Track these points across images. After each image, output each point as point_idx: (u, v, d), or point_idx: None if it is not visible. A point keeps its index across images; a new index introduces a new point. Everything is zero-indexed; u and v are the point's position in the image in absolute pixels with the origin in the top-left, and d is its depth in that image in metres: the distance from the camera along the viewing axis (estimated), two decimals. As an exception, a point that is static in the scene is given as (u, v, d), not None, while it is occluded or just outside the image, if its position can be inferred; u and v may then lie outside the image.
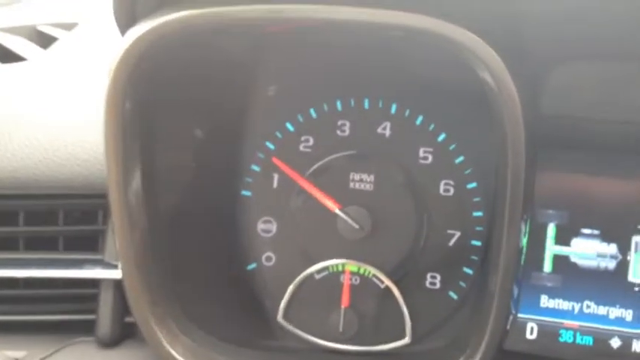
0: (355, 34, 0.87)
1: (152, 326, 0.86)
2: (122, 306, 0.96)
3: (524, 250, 0.93)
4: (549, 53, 0.86)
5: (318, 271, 1.01)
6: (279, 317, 1.01)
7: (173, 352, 0.86)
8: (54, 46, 1.13)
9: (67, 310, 1.02)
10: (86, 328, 1.00)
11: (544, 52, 0.85)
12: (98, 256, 0.99)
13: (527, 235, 0.93)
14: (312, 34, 0.92)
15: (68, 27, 1.17)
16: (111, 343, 0.98)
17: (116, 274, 0.95)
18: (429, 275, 1.00)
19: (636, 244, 0.95)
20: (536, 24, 0.79)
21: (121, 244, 0.84)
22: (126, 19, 0.80)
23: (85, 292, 1.00)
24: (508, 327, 0.94)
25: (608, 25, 0.79)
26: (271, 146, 1.04)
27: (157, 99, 0.84)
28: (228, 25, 0.81)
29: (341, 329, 0.98)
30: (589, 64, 0.88)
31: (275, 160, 1.02)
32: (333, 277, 1.01)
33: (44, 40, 1.23)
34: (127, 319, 0.98)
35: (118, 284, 0.96)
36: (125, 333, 0.99)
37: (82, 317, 1.00)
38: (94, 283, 0.99)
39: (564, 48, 0.85)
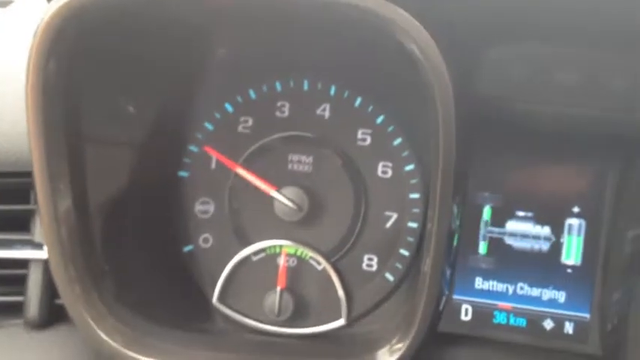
0: (289, 12, 0.85)
1: (78, 306, 0.84)
2: (52, 287, 0.94)
3: (458, 231, 0.93)
4: (482, 34, 0.86)
5: (255, 253, 1.00)
6: (215, 300, 1.00)
7: (100, 333, 0.84)
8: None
9: (-4, 291, 1.00)
10: (16, 311, 0.98)
11: (477, 33, 0.85)
12: (28, 237, 0.97)
13: (460, 217, 0.93)
14: (249, 12, 0.90)
15: (4, 4, 1.15)
16: (40, 325, 0.95)
17: (45, 254, 0.92)
18: (365, 257, 1.00)
19: (569, 226, 0.97)
20: (466, 5, 0.79)
21: (45, 221, 0.81)
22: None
23: (15, 273, 0.97)
24: (441, 308, 0.94)
25: (539, 8, 0.80)
26: (210, 127, 1.03)
27: (84, 65, 0.82)
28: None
29: (277, 312, 0.97)
30: (522, 46, 0.89)
31: (208, 149, 1.01)
32: (270, 259, 1.00)
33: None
34: (58, 302, 0.96)
35: (47, 265, 0.93)
36: (55, 316, 0.97)
37: (11, 299, 0.98)
38: (24, 264, 0.97)
39: (496, 29, 0.85)
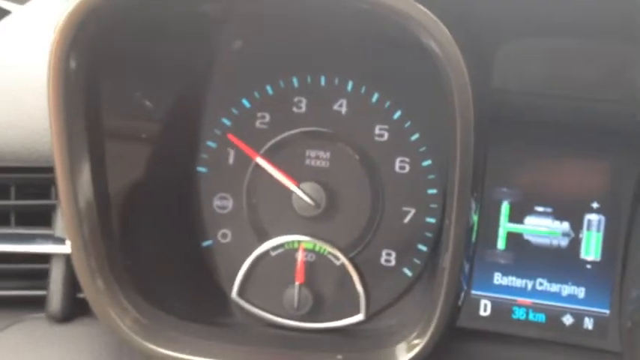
0: (306, 7, 0.86)
1: (100, 300, 0.85)
2: (73, 282, 0.95)
3: (477, 227, 0.93)
4: (499, 29, 0.86)
5: (274, 248, 1.01)
6: (234, 294, 1.01)
7: (122, 326, 0.86)
8: (4, 20, 1.12)
9: (19, 286, 1.01)
10: (38, 305, 0.99)
11: (494, 28, 0.85)
12: (49, 231, 0.98)
13: (479, 212, 0.93)
14: (267, 6, 0.91)
15: (22, 1, 1.16)
16: (62, 319, 0.97)
17: (66, 248, 0.93)
18: (384, 252, 1.00)
19: (589, 221, 0.96)
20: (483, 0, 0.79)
21: (67, 216, 0.82)
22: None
23: (37, 268, 0.99)
24: (460, 304, 0.94)
25: (555, 2, 0.79)
26: (227, 122, 1.03)
27: (103, 59, 0.83)
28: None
29: (295, 306, 0.98)
30: (540, 40, 0.88)
31: (230, 137, 1.02)
32: (288, 254, 1.01)
33: (-2, 15, 1.21)
34: (79, 295, 0.97)
35: (69, 259, 0.95)
36: (77, 310, 0.98)
37: (33, 293, 0.99)
38: (46, 258, 0.98)
39: (514, 23, 0.84)
